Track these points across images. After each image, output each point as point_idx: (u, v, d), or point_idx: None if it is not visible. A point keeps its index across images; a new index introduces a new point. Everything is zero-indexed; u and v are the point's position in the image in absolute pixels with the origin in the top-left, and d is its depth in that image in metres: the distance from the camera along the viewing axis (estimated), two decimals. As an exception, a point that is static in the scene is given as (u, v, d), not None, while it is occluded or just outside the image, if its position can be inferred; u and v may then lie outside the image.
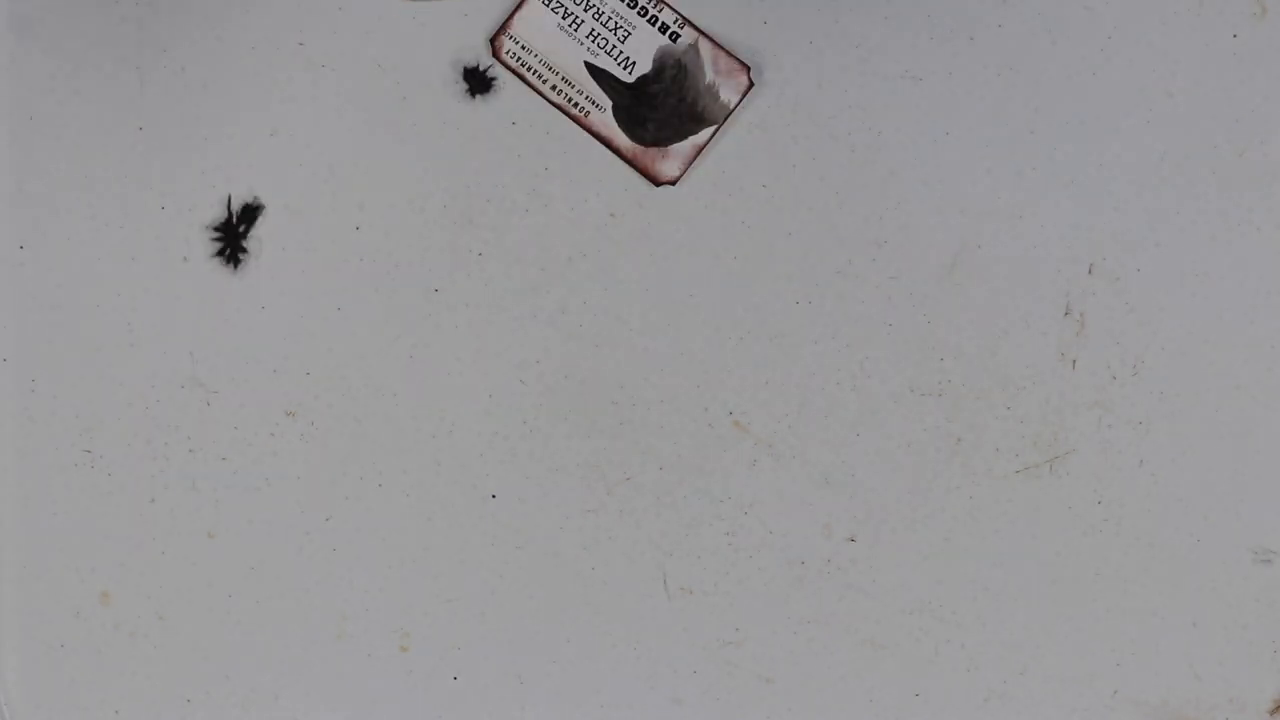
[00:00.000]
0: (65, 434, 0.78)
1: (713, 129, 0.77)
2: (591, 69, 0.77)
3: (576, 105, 0.77)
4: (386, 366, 0.78)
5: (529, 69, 0.77)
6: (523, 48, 0.77)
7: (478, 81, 0.78)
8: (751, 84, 0.77)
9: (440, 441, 0.78)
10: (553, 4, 0.76)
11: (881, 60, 0.78)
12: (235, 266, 0.78)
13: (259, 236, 0.78)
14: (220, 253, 0.78)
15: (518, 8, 0.77)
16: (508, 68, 0.77)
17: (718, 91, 0.77)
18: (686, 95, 0.77)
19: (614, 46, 0.77)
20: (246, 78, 0.78)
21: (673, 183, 0.77)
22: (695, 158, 0.77)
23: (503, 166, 0.78)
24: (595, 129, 0.77)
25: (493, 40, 0.77)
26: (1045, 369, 0.79)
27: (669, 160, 0.77)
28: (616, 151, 0.77)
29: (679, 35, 0.77)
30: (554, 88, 0.77)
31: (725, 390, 0.79)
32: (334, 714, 0.79)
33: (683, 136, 0.77)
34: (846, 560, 0.79)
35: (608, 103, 0.77)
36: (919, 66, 0.78)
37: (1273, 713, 0.80)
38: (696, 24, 0.77)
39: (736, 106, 0.77)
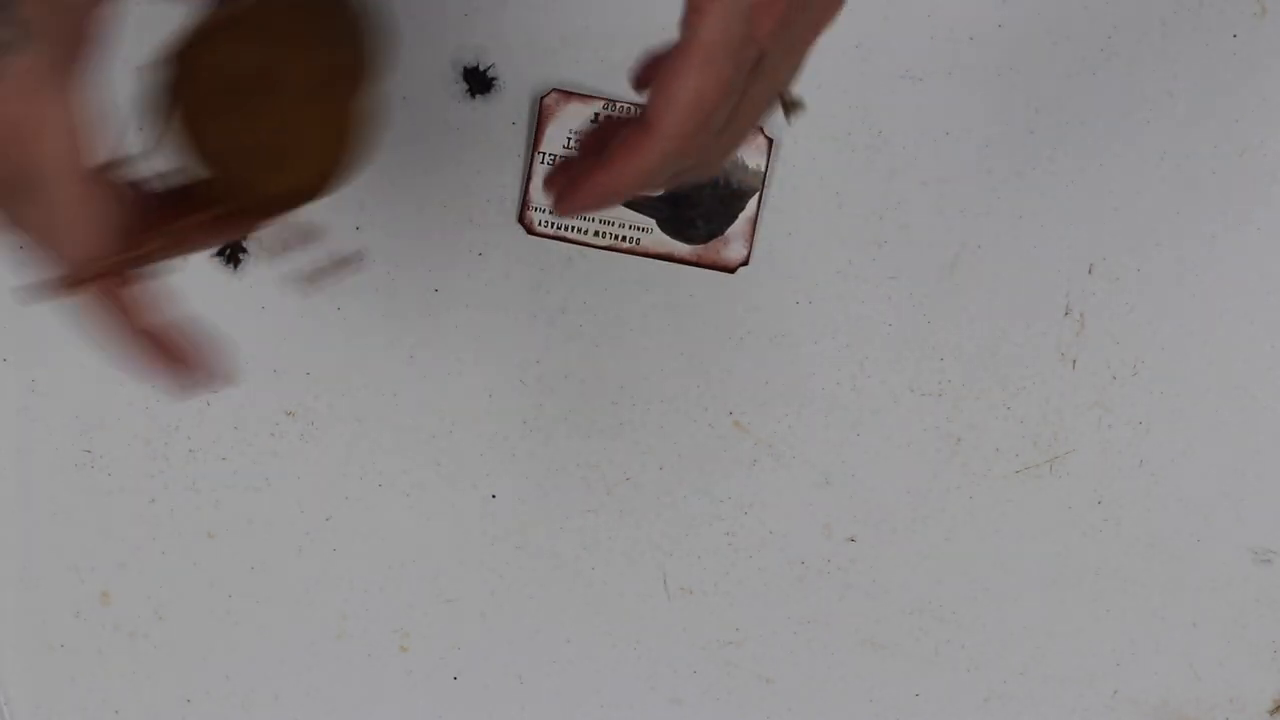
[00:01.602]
0: (65, 434, 0.78)
1: (756, 197, 0.77)
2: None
3: (624, 239, 0.77)
4: (386, 366, 0.78)
5: (566, 228, 0.77)
6: (550, 213, 0.77)
7: (478, 81, 0.78)
8: (770, 140, 0.77)
9: (440, 441, 0.78)
10: (556, 160, 0.76)
11: (881, 60, 0.78)
12: (235, 266, 0.78)
13: (259, 236, 0.78)
14: (220, 253, 0.78)
15: (528, 180, 0.77)
16: (546, 237, 0.77)
17: (744, 162, 0.77)
18: (718, 180, 0.77)
19: None
20: (246, 78, 0.78)
21: (745, 263, 0.77)
22: (754, 232, 0.77)
23: (503, 166, 0.78)
24: (652, 251, 0.77)
25: (521, 220, 0.77)
26: (1045, 369, 0.79)
27: (731, 245, 0.77)
28: (680, 260, 0.77)
29: None
30: (596, 234, 0.77)
31: (725, 390, 0.79)
32: (334, 714, 0.79)
33: (733, 217, 0.77)
34: (846, 560, 0.79)
35: (651, 222, 0.77)
36: (919, 66, 0.78)
37: (1273, 713, 0.80)
38: None
39: (768, 168, 0.77)
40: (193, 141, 0.51)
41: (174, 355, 0.54)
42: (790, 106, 0.56)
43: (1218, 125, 0.78)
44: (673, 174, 0.54)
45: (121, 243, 0.51)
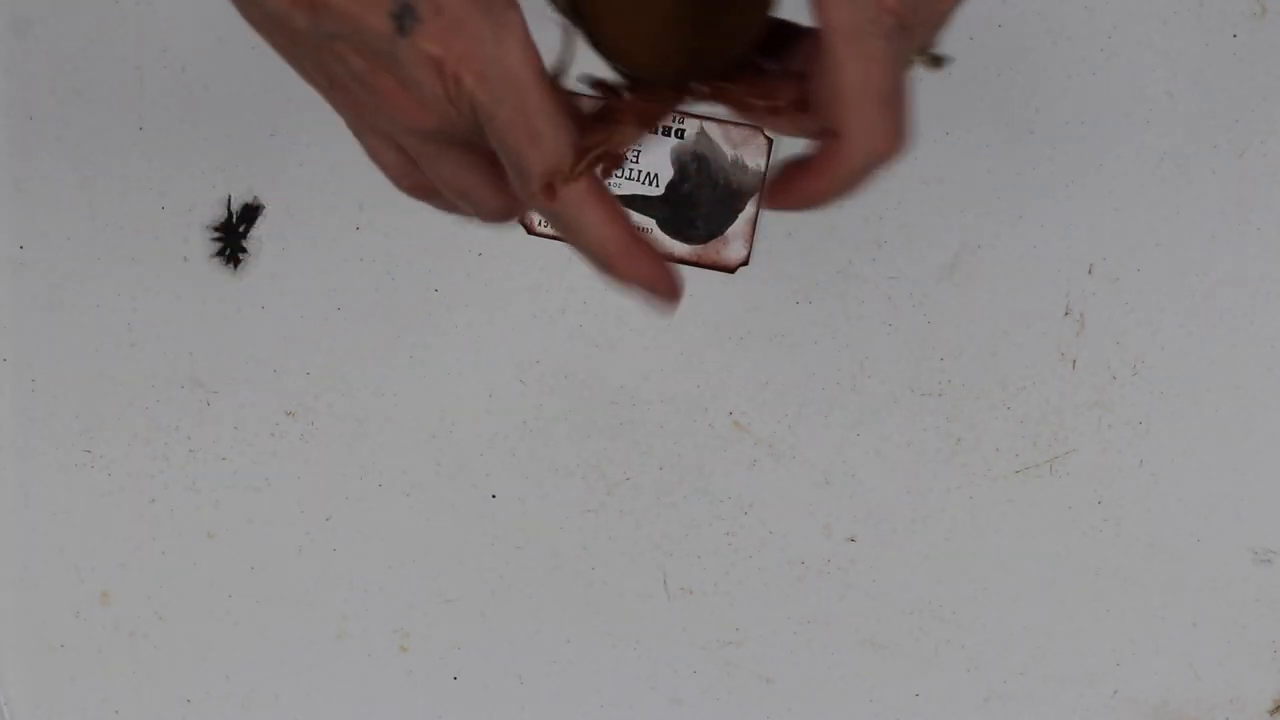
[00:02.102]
0: (65, 434, 0.78)
1: (755, 197, 0.77)
2: (621, 200, 0.77)
3: None
4: (386, 366, 0.78)
5: None
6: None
7: (478, 81, 0.77)
8: (770, 140, 0.77)
9: (440, 441, 0.78)
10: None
11: (881, 60, 0.78)
12: (235, 266, 0.78)
13: (259, 236, 0.78)
14: (220, 253, 0.78)
15: None
16: (546, 237, 0.77)
17: (744, 163, 0.77)
18: (718, 180, 0.77)
19: (631, 170, 0.77)
20: (247, 78, 0.78)
21: (745, 263, 0.77)
22: (754, 231, 0.77)
23: (503, 166, 0.78)
24: None
25: (521, 220, 0.77)
26: (1045, 369, 0.79)
27: (731, 245, 0.77)
28: (680, 260, 0.77)
29: (684, 130, 0.77)
30: None
31: (725, 390, 0.79)
32: (334, 714, 0.79)
33: (733, 217, 0.77)
34: (846, 560, 0.79)
35: (650, 222, 0.77)
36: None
37: (1273, 713, 0.80)
38: (694, 112, 0.77)
39: (768, 167, 0.77)
40: (612, 30, 0.50)
41: (656, 257, 0.51)
42: (934, 61, 0.54)
43: (1218, 125, 0.78)
44: (876, 168, 0.51)
45: (585, 142, 0.50)
